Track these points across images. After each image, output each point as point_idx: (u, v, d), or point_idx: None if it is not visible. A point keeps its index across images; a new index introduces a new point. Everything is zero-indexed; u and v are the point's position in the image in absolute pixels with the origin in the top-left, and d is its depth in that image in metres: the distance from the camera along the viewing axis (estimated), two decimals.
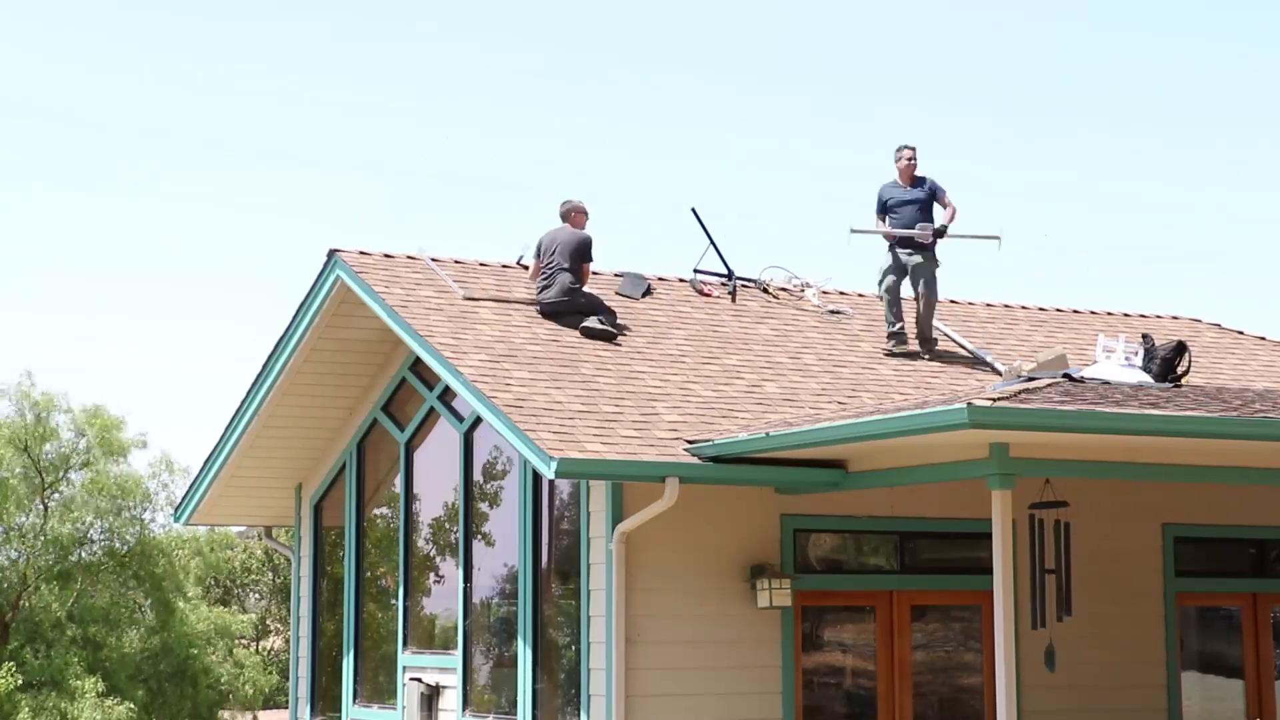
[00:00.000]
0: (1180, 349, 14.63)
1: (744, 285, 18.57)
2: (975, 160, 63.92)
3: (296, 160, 66.68)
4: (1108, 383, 13.55)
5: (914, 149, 17.29)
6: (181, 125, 63.50)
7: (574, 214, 16.80)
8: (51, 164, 64.46)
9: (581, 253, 16.41)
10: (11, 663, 29.00)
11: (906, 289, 17.39)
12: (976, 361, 17.41)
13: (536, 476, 14.74)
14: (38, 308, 64.70)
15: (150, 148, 65.01)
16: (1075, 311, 20.62)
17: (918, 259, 17.16)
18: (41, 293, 65.57)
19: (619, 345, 15.94)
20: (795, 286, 18.88)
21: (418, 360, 16.08)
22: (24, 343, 59.53)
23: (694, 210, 18.33)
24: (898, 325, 17.28)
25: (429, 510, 16.98)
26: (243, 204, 68.14)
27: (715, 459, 13.54)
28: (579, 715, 14.00)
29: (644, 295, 17.36)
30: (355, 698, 17.74)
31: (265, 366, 17.38)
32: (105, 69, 62.16)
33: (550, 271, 16.32)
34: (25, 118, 59.98)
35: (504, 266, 17.56)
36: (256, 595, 46.81)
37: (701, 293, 18.10)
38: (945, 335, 18.37)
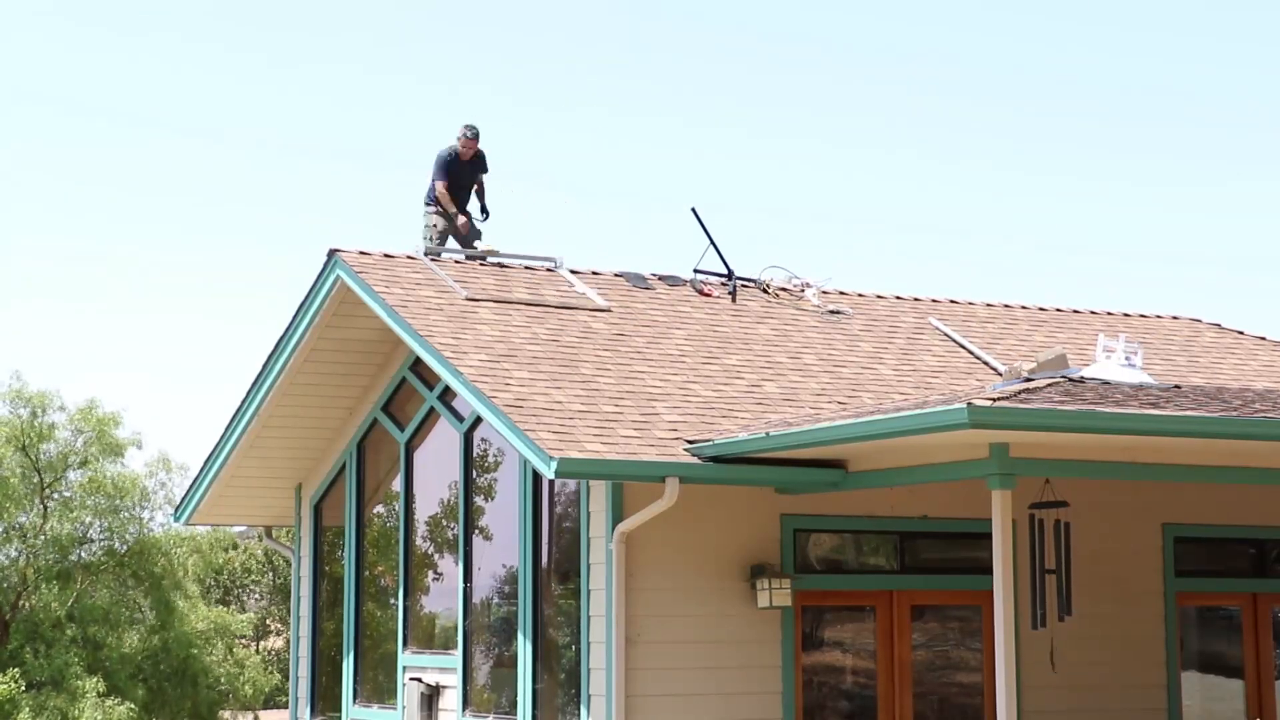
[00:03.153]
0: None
1: (744, 285, 18.57)
2: (975, 158, 63.96)
3: (297, 152, 66.61)
4: (1108, 383, 13.55)
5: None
6: (179, 119, 63.49)
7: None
8: (46, 155, 64.38)
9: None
10: (16, 669, 28.97)
11: None
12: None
13: (537, 476, 14.75)
14: (28, 306, 64.63)
15: (148, 142, 64.99)
16: (1075, 311, 20.62)
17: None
18: (31, 289, 65.47)
19: (616, 342, 15.96)
20: (795, 286, 18.89)
21: (418, 360, 16.08)
22: (13, 341, 59.40)
23: (694, 210, 18.36)
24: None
25: (429, 510, 16.98)
26: (242, 203, 68.14)
27: (715, 459, 13.54)
28: (579, 715, 14.00)
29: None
30: (355, 697, 17.75)
31: (265, 366, 17.38)
32: (101, 56, 62.15)
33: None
34: (18, 105, 59.83)
35: (501, 266, 17.58)
36: (257, 595, 46.79)
37: (701, 293, 18.11)
38: (946, 335, 18.40)
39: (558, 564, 14.76)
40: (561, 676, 14.51)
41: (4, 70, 58.07)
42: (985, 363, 17.56)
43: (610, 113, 63.33)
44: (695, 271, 18.49)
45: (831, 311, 18.37)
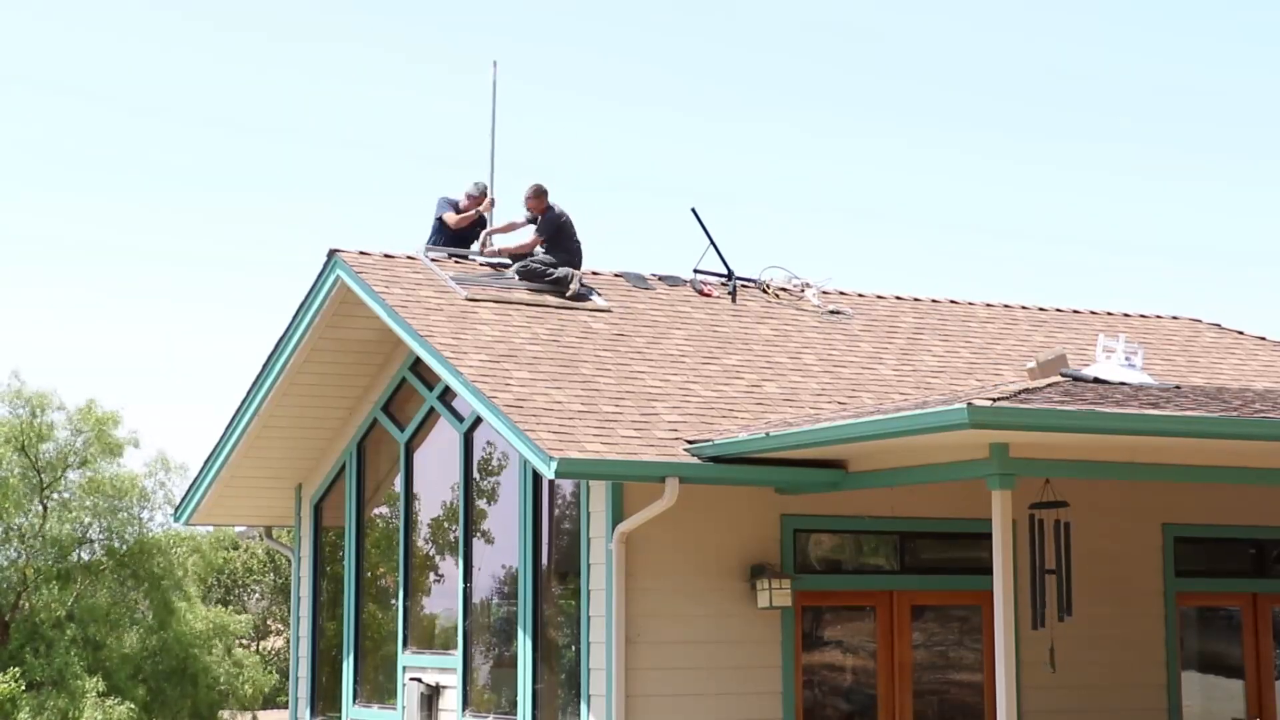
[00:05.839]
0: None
1: (744, 285, 18.58)
2: (975, 156, 64.00)
3: (300, 146, 66.59)
4: (1108, 383, 13.56)
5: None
6: (178, 115, 63.50)
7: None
8: (45, 149, 64.38)
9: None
10: (17, 668, 28.99)
11: None
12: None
13: (537, 476, 14.75)
14: (26, 305, 64.62)
15: (146, 139, 65.03)
16: (1075, 311, 20.64)
17: None
18: (29, 290, 65.45)
19: (616, 342, 15.97)
20: (795, 286, 18.90)
21: (418, 360, 16.09)
22: (11, 340, 59.31)
23: (694, 210, 18.37)
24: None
25: (429, 510, 16.99)
26: (243, 203, 68.19)
27: (715, 459, 13.54)
28: (579, 715, 14.01)
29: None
30: (355, 698, 17.76)
31: (265, 366, 17.40)
32: (101, 45, 62.16)
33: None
34: (21, 92, 59.69)
35: (498, 266, 17.56)
36: (257, 595, 46.78)
37: (701, 293, 18.12)
38: (946, 335, 18.41)
39: (558, 564, 14.77)
40: (561, 676, 14.51)
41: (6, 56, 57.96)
42: (985, 363, 17.56)
43: (610, 111, 63.38)
44: (695, 271, 18.51)
45: (831, 311, 18.38)
